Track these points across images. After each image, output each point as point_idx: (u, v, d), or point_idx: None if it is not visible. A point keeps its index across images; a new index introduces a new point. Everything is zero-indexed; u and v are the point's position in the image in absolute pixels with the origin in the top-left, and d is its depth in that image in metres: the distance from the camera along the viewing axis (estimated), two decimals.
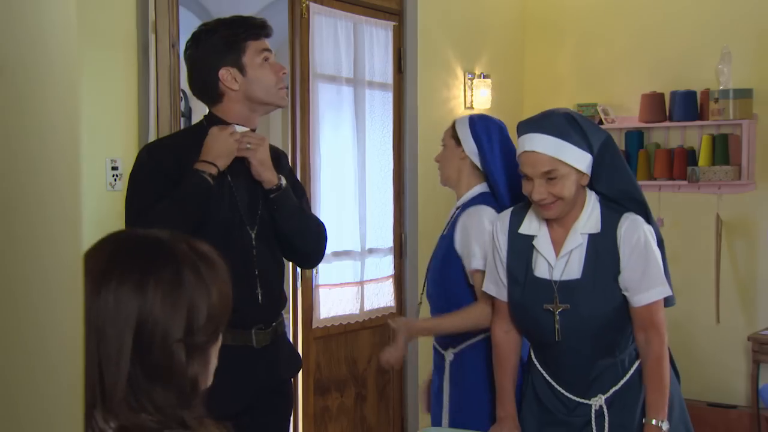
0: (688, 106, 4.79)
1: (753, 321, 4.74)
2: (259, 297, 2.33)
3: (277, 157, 2.48)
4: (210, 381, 1.25)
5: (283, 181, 2.36)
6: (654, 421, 2.27)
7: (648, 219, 2.36)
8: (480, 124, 2.70)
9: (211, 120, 2.37)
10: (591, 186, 2.36)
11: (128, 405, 1.14)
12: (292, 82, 3.95)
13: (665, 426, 2.28)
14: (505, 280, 2.42)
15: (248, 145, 2.30)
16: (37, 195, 0.63)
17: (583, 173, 2.28)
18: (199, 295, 1.21)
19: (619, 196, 2.35)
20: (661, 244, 2.38)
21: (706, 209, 4.83)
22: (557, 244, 2.34)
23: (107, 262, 1.20)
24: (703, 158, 4.74)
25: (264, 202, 2.36)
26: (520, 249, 2.38)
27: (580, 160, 2.26)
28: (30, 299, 0.63)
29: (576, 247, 2.31)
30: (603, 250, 2.30)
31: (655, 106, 4.87)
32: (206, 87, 2.36)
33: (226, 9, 5.46)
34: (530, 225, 2.38)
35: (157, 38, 3.19)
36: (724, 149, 4.70)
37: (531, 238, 2.37)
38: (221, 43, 2.32)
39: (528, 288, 2.36)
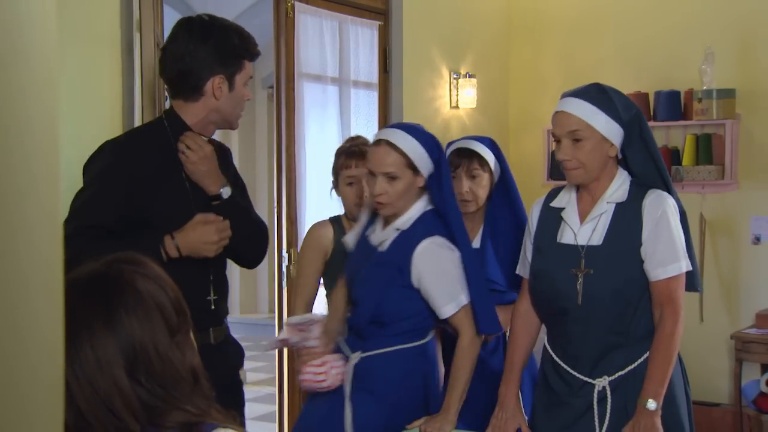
0: (672, 106, 4.81)
1: (736, 319, 4.77)
2: (212, 303, 2.39)
3: (223, 155, 2.49)
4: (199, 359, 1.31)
5: (225, 192, 2.35)
6: (650, 403, 2.24)
7: (670, 194, 2.40)
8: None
9: (171, 119, 2.36)
10: (625, 167, 2.42)
11: (155, 413, 1.20)
12: (277, 82, 3.94)
13: (651, 405, 2.24)
14: (530, 257, 2.48)
15: (184, 151, 2.30)
16: (15, 194, 0.62)
17: (611, 143, 2.34)
18: (160, 296, 1.26)
19: (649, 173, 2.39)
20: (684, 219, 2.42)
21: (689, 208, 4.78)
22: (584, 214, 2.40)
23: (69, 326, 1.19)
24: (686, 158, 4.77)
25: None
26: (549, 220, 2.46)
27: (607, 127, 2.32)
28: (9, 298, 0.63)
29: (602, 214, 2.36)
30: (626, 220, 2.35)
31: (640, 105, 4.85)
32: (190, 80, 2.33)
33: (212, 7, 5.44)
34: (562, 198, 2.46)
35: (142, 37, 3.18)
36: (707, 149, 4.73)
37: (560, 210, 2.44)
38: (229, 50, 2.33)
39: (552, 254, 2.41)
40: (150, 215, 2.27)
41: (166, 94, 3.45)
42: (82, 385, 1.19)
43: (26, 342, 0.66)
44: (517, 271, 2.59)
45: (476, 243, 2.80)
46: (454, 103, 4.90)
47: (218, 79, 2.31)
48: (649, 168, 2.40)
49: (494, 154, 2.87)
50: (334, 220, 2.89)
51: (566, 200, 2.45)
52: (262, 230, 2.53)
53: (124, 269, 1.26)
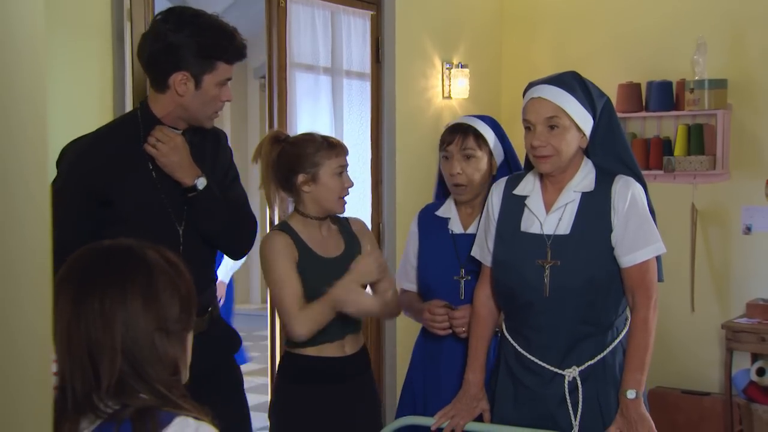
0: (664, 96, 4.81)
1: (727, 309, 4.80)
2: None
3: (216, 138, 2.47)
4: (188, 362, 1.43)
5: (200, 183, 2.29)
6: (629, 393, 2.24)
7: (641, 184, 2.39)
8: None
9: (144, 110, 2.33)
10: (588, 156, 2.40)
11: (124, 389, 1.32)
12: (269, 72, 3.93)
13: (631, 394, 2.25)
14: (489, 245, 2.44)
15: (154, 144, 2.26)
16: (3, 189, 0.62)
17: (583, 134, 2.33)
18: (171, 292, 1.38)
19: (613, 164, 2.38)
20: (651, 210, 2.39)
21: (681, 199, 4.87)
22: (550, 204, 2.37)
23: (83, 279, 1.36)
24: (678, 148, 4.78)
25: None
26: (512, 209, 2.41)
27: (582, 117, 2.31)
28: None
29: (568, 203, 2.33)
30: (594, 208, 2.32)
31: (632, 95, 4.90)
32: (154, 70, 2.29)
33: None
34: (525, 186, 2.42)
35: (133, 26, 3.16)
36: (699, 139, 4.73)
37: (524, 198, 2.41)
38: (199, 49, 2.24)
39: (516, 244, 2.37)
40: (121, 211, 2.26)
41: None
42: (81, 332, 1.31)
43: (14, 338, 0.65)
44: (472, 253, 2.52)
45: (473, 229, 2.59)
46: (447, 93, 4.89)
47: (181, 75, 2.24)
48: (616, 158, 2.38)
49: (495, 133, 2.61)
50: (286, 228, 2.56)
51: (530, 188, 2.40)
52: (245, 221, 2.48)
53: (150, 256, 1.39)
